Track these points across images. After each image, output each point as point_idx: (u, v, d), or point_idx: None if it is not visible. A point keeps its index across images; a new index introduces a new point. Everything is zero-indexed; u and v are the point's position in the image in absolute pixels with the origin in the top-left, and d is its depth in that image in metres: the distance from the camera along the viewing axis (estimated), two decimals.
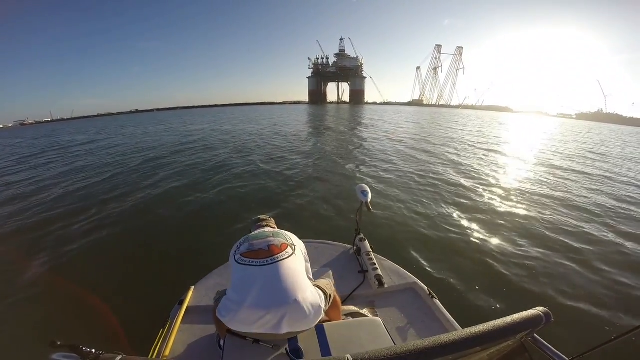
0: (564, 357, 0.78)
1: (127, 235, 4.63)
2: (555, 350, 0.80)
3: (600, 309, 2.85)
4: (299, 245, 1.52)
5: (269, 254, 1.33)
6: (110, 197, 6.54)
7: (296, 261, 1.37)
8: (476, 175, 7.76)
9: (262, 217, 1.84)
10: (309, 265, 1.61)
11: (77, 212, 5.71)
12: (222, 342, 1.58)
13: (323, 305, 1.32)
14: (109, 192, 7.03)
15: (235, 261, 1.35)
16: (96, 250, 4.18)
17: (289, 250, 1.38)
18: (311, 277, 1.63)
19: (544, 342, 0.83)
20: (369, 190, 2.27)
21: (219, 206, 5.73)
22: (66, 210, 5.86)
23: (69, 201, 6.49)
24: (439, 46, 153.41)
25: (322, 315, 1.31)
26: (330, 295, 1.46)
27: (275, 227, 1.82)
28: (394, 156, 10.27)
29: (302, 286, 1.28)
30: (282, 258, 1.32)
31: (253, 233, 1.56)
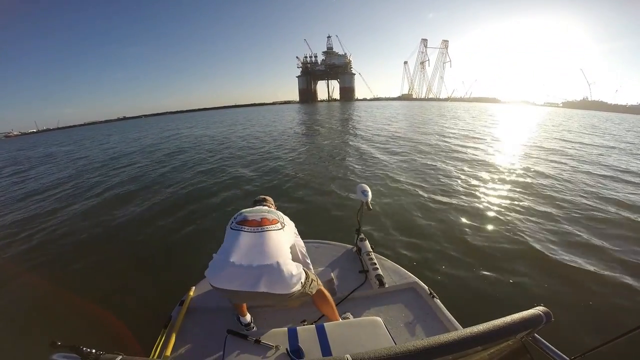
0: (565, 356, 0.78)
1: (128, 236, 4.63)
2: (556, 350, 0.80)
3: (600, 309, 2.81)
4: (290, 225, 1.70)
5: (259, 224, 1.51)
6: (110, 198, 6.55)
7: (283, 235, 1.54)
8: (474, 173, 7.64)
9: (263, 196, 2.01)
10: (299, 240, 1.81)
11: (78, 214, 5.70)
12: (241, 319, 1.74)
13: (302, 279, 1.42)
14: (108, 193, 7.01)
15: (230, 228, 1.53)
16: (97, 251, 4.14)
17: (279, 225, 1.56)
18: (304, 252, 1.85)
19: (545, 341, 0.82)
20: (369, 190, 2.25)
21: (221, 207, 5.72)
22: (68, 213, 5.82)
23: (69, 203, 6.48)
24: (424, 40, 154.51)
25: (299, 288, 1.39)
26: (312, 279, 1.54)
27: (273, 206, 1.97)
28: (391, 155, 10.12)
29: (284, 254, 1.42)
30: (271, 229, 1.49)
31: (250, 208, 1.73)
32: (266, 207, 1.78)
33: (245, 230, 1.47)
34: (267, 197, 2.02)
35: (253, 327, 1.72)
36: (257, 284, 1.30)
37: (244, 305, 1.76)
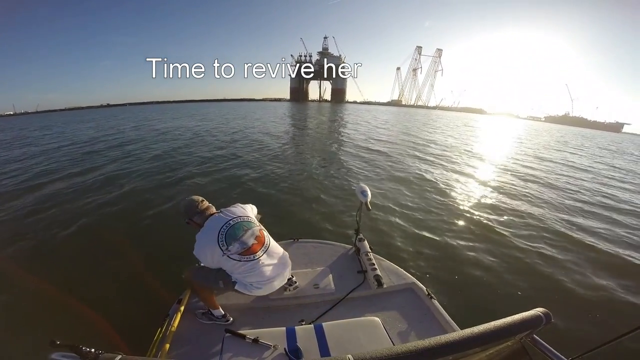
0: (564, 357, 0.78)
1: (126, 234, 4.46)
2: (555, 351, 0.80)
3: (600, 309, 2.84)
4: (254, 212, 1.97)
5: (260, 246, 1.73)
6: (109, 196, 6.19)
7: (266, 231, 1.84)
8: (471, 176, 7.79)
9: (196, 200, 1.85)
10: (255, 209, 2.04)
11: (74, 210, 5.43)
12: (214, 313, 1.79)
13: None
14: (108, 190, 6.66)
15: (236, 260, 1.66)
16: (95, 250, 4.05)
17: (264, 232, 1.82)
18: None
19: (544, 342, 0.82)
20: (368, 190, 2.26)
21: (223, 205, 5.35)
22: (65, 209, 5.53)
23: (65, 200, 6.05)
24: (419, 47, 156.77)
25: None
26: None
27: (213, 209, 1.90)
28: (390, 156, 10.08)
29: (279, 247, 1.85)
30: (268, 243, 1.78)
31: (230, 231, 1.72)
32: (222, 216, 1.79)
33: (257, 257, 1.69)
34: (200, 199, 1.89)
35: (229, 319, 1.78)
36: (286, 275, 1.83)
37: (215, 298, 1.83)
